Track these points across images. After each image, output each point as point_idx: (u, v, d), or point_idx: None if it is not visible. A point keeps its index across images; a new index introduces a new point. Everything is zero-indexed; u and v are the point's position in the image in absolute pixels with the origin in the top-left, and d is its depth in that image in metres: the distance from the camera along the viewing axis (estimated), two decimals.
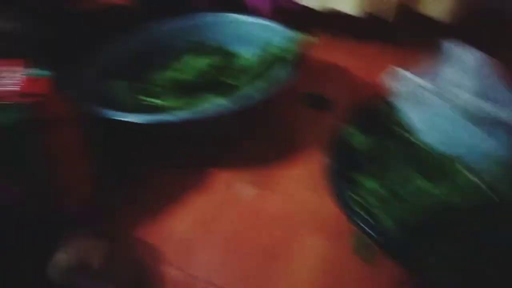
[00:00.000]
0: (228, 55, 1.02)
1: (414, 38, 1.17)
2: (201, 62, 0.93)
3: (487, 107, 0.60)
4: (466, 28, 0.91)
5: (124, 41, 1.03)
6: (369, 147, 0.70)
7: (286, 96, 0.92)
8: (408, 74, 0.74)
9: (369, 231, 0.53)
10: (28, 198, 0.67)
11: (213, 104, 0.83)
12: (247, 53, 1.05)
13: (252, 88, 0.84)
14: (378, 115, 0.77)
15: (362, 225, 0.54)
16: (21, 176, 0.66)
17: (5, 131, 0.64)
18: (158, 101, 0.87)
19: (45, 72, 0.73)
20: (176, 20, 1.11)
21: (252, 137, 0.93)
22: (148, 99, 0.88)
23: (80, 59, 0.93)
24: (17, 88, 0.69)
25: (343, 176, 0.65)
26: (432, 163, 0.63)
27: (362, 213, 0.56)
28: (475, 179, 0.57)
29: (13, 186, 0.66)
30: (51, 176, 0.70)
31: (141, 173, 0.86)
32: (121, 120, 0.75)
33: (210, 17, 1.12)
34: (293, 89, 0.93)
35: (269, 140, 0.93)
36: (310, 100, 1.03)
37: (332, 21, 1.22)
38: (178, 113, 0.77)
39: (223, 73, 0.93)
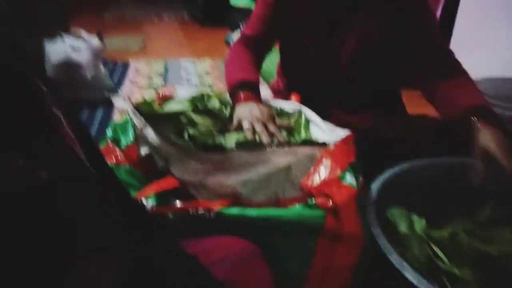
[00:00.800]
0: None
1: None
2: None
3: None
4: None
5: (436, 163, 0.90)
6: None
7: None
8: None
9: None
10: None
11: None
12: None
13: None
14: None
15: None
16: (281, 274, 0.62)
17: (290, 223, 0.63)
18: (454, 270, 0.68)
19: (355, 182, 0.68)
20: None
21: None
22: (438, 254, 0.71)
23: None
24: (320, 186, 0.67)
25: None
26: None
27: None
28: None
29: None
30: None
31: None
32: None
33: None
34: None
35: None
36: None
37: None
38: None
39: None
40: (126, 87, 2.13)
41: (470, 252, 0.71)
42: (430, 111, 1.08)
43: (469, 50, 1.48)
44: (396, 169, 0.89)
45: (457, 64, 0.96)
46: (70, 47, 1.64)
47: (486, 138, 0.78)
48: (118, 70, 2.34)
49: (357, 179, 0.70)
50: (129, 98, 0.83)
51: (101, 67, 1.81)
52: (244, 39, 1.12)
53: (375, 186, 0.83)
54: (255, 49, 1.11)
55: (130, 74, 2.31)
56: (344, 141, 0.80)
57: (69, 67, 1.61)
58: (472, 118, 0.82)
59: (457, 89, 0.91)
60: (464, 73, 0.94)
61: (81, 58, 1.64)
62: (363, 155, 0.85)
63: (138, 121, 0.78)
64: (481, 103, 0.86)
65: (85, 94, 1.69)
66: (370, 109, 1.08)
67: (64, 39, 1.66)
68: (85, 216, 0.47)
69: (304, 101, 0.99)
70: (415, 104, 1.60)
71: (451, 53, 0.97)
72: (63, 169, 0.44)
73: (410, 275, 0.62)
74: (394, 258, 0.64)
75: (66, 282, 0.45)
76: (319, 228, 0.62)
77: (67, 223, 0.44)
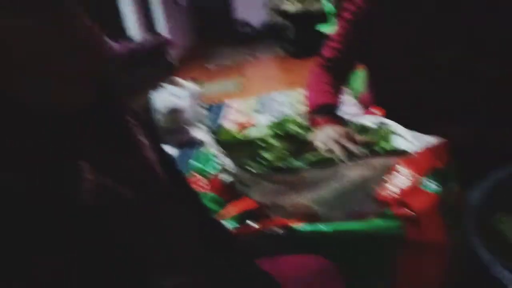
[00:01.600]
0: None
1: None
2: None
3: None
4: None
5: None
6: None
7: None
8: None
9: None
10: None
11: None
12: None
13: None
14: None
15: None
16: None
17: (366, 236, 0.58)
18: None
19: (438, 189, 0.61)
20: None
21: None
22: None
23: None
24: (397, 196, 0.62)
25: None
26: None
27: None
28: None
29: None
30: None
31: None
32: None
33: None
34: None
35: None
36: None
37: None
38: None
39: None
40: (225, 126, 2.29)
41: None
42: None
43: None
44: (503, 173, 0.76)
45: None
46: (173, 95, 1.85)
47: None
48: (216, 111, 2.54)
49: (443, 185, 0.62)
50: (209, 128, 0.89)
51: (201, 109, 1.99)
52: (322, 61, 1.10)
53: (476, 192, 0.72)
54: (335, 69, 1.08)
55: (228, 113, 2.48)
56: (430, 148, 0.72)
57: (173, 112, 1.81)
58: None
59: None
60: None
61: (183, 103, 1.83)
62: (468, 167, 0.75)
63: (215, 150, 0.83)
64: None
65: (189, 134, 1.86)
66: (476, 116, 0.94)
67: (167, 88, 1.88)
68: (166, 232, 0.52)
69: (395, 115, 0.91)
70: None
71: None
72: (145, 188, 0.49)
73: None
74: (498, 271, 0.54)
75: None
76: (398, 239, 0.56)
77: (149, 238, 0.49)
